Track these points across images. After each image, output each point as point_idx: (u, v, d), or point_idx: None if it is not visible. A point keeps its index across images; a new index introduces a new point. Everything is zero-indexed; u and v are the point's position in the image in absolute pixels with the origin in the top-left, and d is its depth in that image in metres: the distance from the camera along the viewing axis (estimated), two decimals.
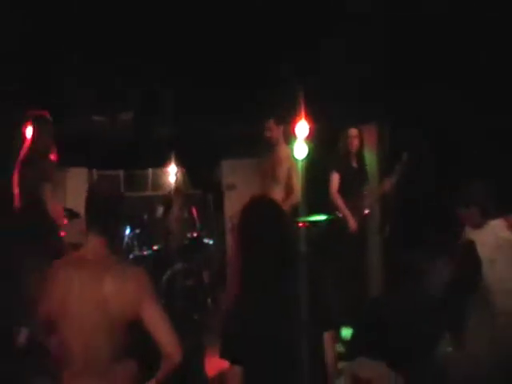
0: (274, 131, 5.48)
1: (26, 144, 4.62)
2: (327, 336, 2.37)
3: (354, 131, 5.48)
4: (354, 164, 5.55)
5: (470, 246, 2.96)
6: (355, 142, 5.48)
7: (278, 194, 5.29)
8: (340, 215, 5.41)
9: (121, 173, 8.28)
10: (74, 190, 6.56)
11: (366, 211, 5.53)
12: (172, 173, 8.13)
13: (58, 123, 4.83)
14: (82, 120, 6.91)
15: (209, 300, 5.80)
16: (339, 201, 5.36)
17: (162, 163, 7.98)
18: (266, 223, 2.38)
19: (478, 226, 3.19)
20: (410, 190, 5.46)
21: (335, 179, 5.42)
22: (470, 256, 2.92)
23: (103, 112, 6.91)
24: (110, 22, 4.58)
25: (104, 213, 2.42)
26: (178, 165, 7.96)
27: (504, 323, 2.93)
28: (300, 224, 5.93)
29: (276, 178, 5.39)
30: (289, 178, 5.39)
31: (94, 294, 2.32)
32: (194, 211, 6.21)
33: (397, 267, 5.27)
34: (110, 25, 4.63)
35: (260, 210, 2.45)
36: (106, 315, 2.32)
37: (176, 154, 7.58)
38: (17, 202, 4.53)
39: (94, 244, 2.42)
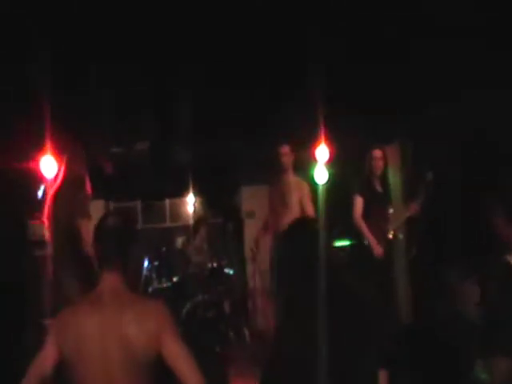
0: (289, 157, 5.42)
1: (61, 175, 4.38)
2: (382, 375, 2.22)
3: (378, 153, 5.41)
4: (378, 187, 5.49)
5: (507, 267, 2.76)
6: (380, 164, 5.42)
7: (289, 220, 5.24)
8: (365, 241, 5.31)
9: (138, 204, 8.32)
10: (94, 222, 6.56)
11: (390, 235, 5.42)
12: (190, 203, 8.17)
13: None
14: (101, 151, 6.92)
15: (230, 332, 5.71)
16: (363, 225, 5.30)
17: (180, 193, 8.00)
18: (312, 249, 2.24)
19: None
20: (436, 210, 5.35)
21: (359, 203, 5.36)
22: (506, 278, 2.74)
23: (119, 143, 6.91)
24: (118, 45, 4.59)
25: (115, 246, 2.37)
26: (196, 194, 7.99)
27: None
28: None
29: (287, 205, 5.32)
30: (302, 205, 5.30)
31: (115, 333, 2.26)
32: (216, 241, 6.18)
33: (426, 289, 5.14)
34: (121, 49, 4.66)
35: (304, 234, 2.33)
36: (128, 354, 2.26)
37: (194, 182, 7.59)
38: (49, 237, 4.31)
39: (109, 281, 2.36)
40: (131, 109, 6.16)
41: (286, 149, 5.41)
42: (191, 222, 7.44)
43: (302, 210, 5.36)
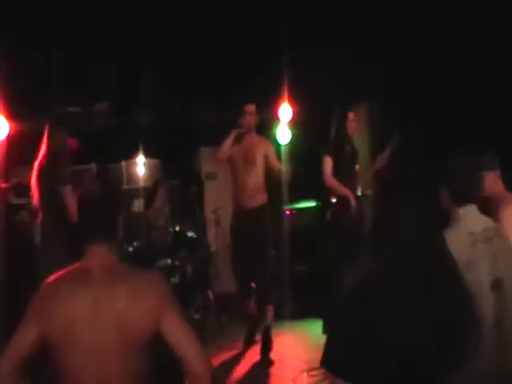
0: (253, 116, 5.54)
1: (44, 147, 4.68)
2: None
3: (352, 115, 5.55)
4: (347, 147, 5.64)
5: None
6: (353, 126, 5.60)
7: (255, 177, 5.45)
8: (334, 199, 5.47)
9: (93, 167, 8.24)
10: None
11: (359, 193, 5.62)
12: (140, 164, 8.16)
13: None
14: (55, 111, 6.85)
15: (195, 296, 5.87)
16: (335, 183, 5.44)
17: (137, 154, 7.99)
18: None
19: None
20: (401, 170, 5.57)
21: (328, 163, 5.50)
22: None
23: (77, 103, 6.83)
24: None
25: (101, 215, 2.20)
26: (153, 155, 7.99)
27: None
28: (287, 212, 6.08)
29: (252, 163, 5.46)
30: (269, 160, 5.48)
31: (108, 312, 2.09)
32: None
33: None
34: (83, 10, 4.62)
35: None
36: (123, 335, 2.09)
37: (150, 143, 7.59)
38: (37, 207, 4.60)
39: (98, 255, 2.19)
40: (92, 69, 6.10)
41: (251, 108, 5.51)
42: (148, 184, 7.44)
43: (268, 166, 5.51)
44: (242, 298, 5.56)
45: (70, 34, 4.99)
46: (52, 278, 2.20)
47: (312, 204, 5.74)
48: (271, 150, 5.59)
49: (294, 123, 6.02)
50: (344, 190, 5.44)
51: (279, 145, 5.90)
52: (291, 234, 5.86)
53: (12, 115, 5.15)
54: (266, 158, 5.54)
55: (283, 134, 5.92)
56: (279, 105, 5.89)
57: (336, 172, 5.49)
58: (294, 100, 5.95)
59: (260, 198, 5.47)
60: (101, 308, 2.09)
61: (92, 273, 2.15)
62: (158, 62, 6.28)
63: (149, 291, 2.14)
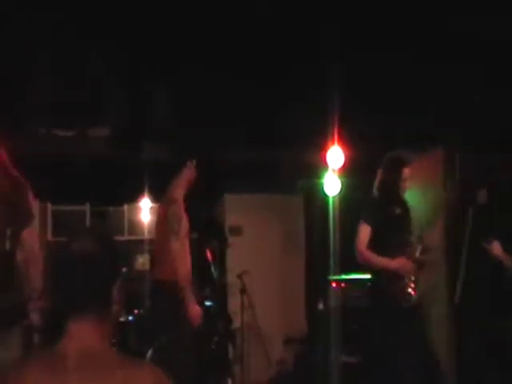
0: None
1: None
2: None
3: (407, 172, 5.07)
4: (397, 208, 5.14)
5: None
6: (406, 185, 5.12)
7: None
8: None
9: (87, 209, 7.90)
10: None
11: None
12: (145, 209, 7.83)
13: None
14: (39, 136, 6.50)
15: None
16: (370, 256, 4.91)
17: (142, 197, 7.65)
18: None
19: None
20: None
21: (364, 232, 4.96)
22: None
23: (69, 125, 6.47)
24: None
25: (89, 284, 1.96)
26: (154, 199, 7.66)
27: None
28: (333, 284, 5.74)
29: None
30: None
31: None
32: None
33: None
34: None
35: None
36: None
37: (158, 183, 7.22)
38: None
39: (78, 336, 1.95)
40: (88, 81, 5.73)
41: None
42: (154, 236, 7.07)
43: None
44: None
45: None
46: (18, 365, 2.07)
47: (366, 276, 5.27)
48: None
49: (346, 171, 5.84)
50: (387, 264, 4.88)
51: (326, 196, 5.80)
52: (338, 314, 5.41)
53: None
54: None
55: (331, 183, 5.85)
56: (328, 147, 5.73)
57: (376, 243, 4.92)
58: (347, 143, 5.75)
59: None
60: None
61: (65, 361, 1.93)
62: (176, 82, 5.94)
63: None
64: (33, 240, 3.68)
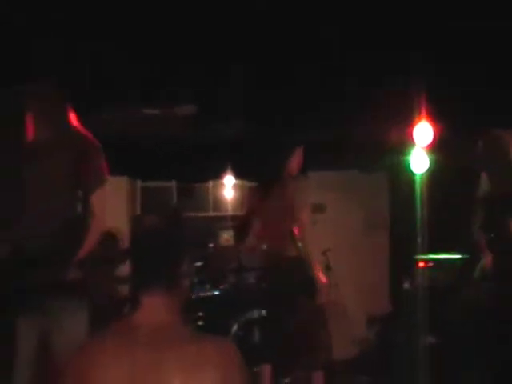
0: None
1: None
2: None
3: None
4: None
5: None
6: None
7: None
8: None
9: (173, 186, 8.03)
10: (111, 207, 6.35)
11: None
12: (229, 186, 7.89)
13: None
14: (127, 114, 6.62)
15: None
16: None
17: (226, 173, 7.71)
18: None
19: None
20: None
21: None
22: None
23: (155, 104, 6.57)
24: None
25: (158, 260, 2.04)
26: (238, 176, 7.71)
27: None
28: (421, 263, 5.64)
29: None
30: None
31: None
32: None
33: None
34: None
35: None
36: None
37: (242, 161, 7.27)
38: None
39: (149, 310, 2.02)
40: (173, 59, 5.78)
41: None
42: (238, 211, 7.14)
43: None
44: None
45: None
46: (94, 336, 2.19)
47: (457, 256, 5.15)
48: None
49: (435, 148, 5.71)
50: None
51: (413, 174, 5.70)
52: (425, 293, 5.31)
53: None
54: None
55: (419, 161, 5.78)
56: (415, 123, 5.60)
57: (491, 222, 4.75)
58: (436, 118, 5.57)
59: None
60: (141, 381, 1.90)
61: (138, 333, 1.98)
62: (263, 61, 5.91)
63: (210, 368, 1.90)
64: (100, 207, 3.58)
